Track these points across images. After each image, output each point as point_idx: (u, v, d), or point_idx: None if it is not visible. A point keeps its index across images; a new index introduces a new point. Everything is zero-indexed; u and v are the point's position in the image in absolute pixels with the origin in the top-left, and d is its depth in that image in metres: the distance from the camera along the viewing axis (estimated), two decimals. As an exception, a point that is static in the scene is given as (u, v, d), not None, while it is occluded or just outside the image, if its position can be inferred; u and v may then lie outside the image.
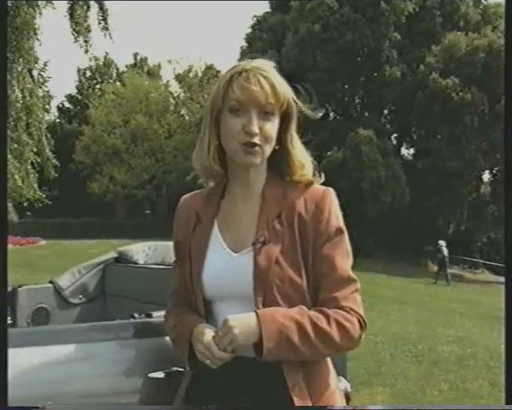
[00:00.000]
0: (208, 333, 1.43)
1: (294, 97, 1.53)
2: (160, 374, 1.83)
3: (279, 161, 1.56)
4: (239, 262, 1.49)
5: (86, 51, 17.04)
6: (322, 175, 1.58)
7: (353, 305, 1.47)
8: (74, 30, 16.54)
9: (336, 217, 1.52)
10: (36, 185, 17.68)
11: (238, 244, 1.51)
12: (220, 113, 1.51)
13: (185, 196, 1.69)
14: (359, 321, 1.47)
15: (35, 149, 16.93)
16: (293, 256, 1.46)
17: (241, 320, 1.39)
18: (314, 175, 1.56)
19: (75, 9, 16.37)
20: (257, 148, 1.47)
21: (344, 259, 1.50)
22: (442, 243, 21.57)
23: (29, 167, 16.90)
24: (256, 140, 1.46)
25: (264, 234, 1.48)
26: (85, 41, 16.86)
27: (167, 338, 1.73)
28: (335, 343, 1.43)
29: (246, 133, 1.45)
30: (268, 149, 1.49)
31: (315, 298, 1.48)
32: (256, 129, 1.45)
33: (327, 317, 1.43)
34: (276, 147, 1.54)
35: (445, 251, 21.29)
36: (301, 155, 1.56)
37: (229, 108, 1.48)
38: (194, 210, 1.61)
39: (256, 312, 1.41)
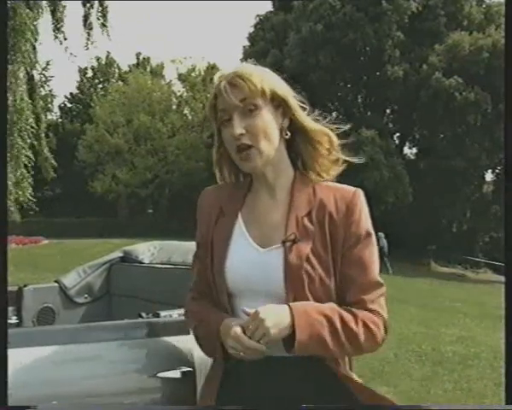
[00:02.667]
0: (235, 326, 1.39)
1: (279, 87, 1.52)
2: (167, 374, 1.82)
3: (299, 147, 1.56)
4: (267, 258, 1.47)
5: (87, 48, 17.03)
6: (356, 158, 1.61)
7: (379, 309, 1.48)
8: (85, 24, 16.57)
9: (366, 219, 1.52)
10: (30, 189, 17.60)
11: (265, 240, 1.49)
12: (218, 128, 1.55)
13: (207, 188, 1.68)
14: (384, 325, 1.48)
15: (28, 153, 16.86)
16: (323, 256, 1.46)
17: (274, 313, 1.37)
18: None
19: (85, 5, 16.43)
20: (249, 151, 1.46)
21: (373, 262, 1.51)
22: (381, 234, 21.83)
23: (24, 171, 16.84)
24: (244, 140, 1.46)
25: (294, 232, 1.46)
26: (87, 38, 16.86)
27: (175, 338, 1.72)
28: (360, 344, 1.44)
29: (233, 138, 1.46)
30: (266, 146, 1.48)
31: (341, 299, 1.48)
32: (238, 130, 1.45)
33: (355, 317, 1.44)
34: (287, 136, 1.53)
35: (382, 242, 21.47)
36: (320, 126, 1.56)
37: (220, 122, 1.51)
38: (217, 203, 1.60)
39: (289, 305, 1.39)
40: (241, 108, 1.46)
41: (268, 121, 1.49)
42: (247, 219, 1.54)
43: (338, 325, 1.41)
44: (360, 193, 1.54)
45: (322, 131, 1.55)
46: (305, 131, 1.54)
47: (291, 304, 1.39)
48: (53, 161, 18.73)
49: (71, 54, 21.82)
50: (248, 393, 1.49)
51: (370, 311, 1.46)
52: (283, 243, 1.46)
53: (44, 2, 15.87)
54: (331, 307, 1.43)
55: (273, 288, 1.44)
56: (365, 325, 1.44)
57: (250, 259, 1.48)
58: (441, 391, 5.63)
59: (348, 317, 1.43)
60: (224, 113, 1.48)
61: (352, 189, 1.54)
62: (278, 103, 1.52)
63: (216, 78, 1.51)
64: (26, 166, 16.91)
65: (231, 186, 1.62)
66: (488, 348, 7.66)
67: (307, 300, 1.43)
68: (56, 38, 16.34)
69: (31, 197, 17.81)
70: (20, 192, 16.85)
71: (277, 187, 1.54)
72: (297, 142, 1.56)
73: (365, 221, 1.51)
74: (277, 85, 1.52)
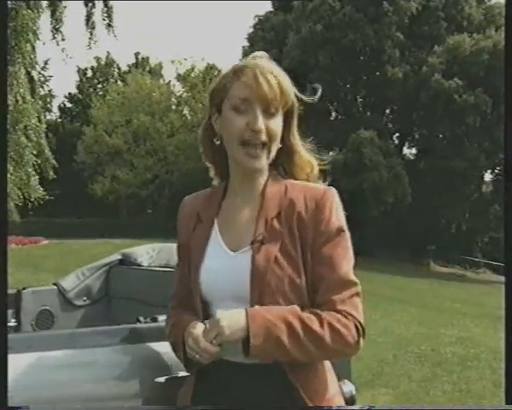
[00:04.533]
0: (198, 327, 1.42)
1: (297, 93, 1.54)
2: (165, 379, 1.82)
3: (282, 160, 1.57)
4: (236, 261, 1.47)
5: (89, 48, 17.08)
6: (327, 178, 1.59)
7: (351, 309, 1.43)
8: (87, 23, 16.61)
9: (337, 217, 1.48)
10: (38, 186, 17.63)
11: (236, 243, 1.50)
12: (220, 108, 1.51)
13: (187, 197, 1.69)
14: (356, 326, 1.42)
15: (34, 152, 16.87)
16: (292, 256, 1.45)
17: (230, 315, 1.39)
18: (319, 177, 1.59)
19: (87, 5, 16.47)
20: (261, 149, 1.46)
21: (344, 260, 1.46)
22: None
23: (30, 169, 16.84)
24: (262, 137, 1.45)
25: (262, 233, 1.46)
26: (89, 38, 16.89)
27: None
28: (327, 346, 1.40)
29: (251, 131, 1.44)
30: (274, 149, 1.49)
31: (313, 299, 1.45)
32: (262, 125, 1.44)
33: (319, 319, 1.39)
34: (279, 145, 1.54)
35: None
36: (307, 154, 1.57)
37: (232, 105, 1.47)
38: (195, 211, 1.61)
39: (246, 309, 1.39)
40: (267, 106, 1.46)
41: (280, 128, 1.50)
42: (221, 224, 1.55)
43: (298, 327, 1.37)
44: (331, 191, 1.51)
45: (309, 161, 1.57)
46: (293, 152, 1.56)
47: (248, 308, 1.39)
48: (53, 161, 18.72)
49: (67, 55, 21.84)
50: (218, 398, 1.50)
51: (340, 312, 1.41)
52: (251, 244, 1.46)
53: (44, 2, 15.87)
54: (292, 311, 1.40)
55: (241, 290, 1.44)
56: (331, 327, 1.39)
57: (221, 263, 1.49)
58: (440, 392, 5.64)
59: (311, 318, 1.39)
60: (243, 102, 1.45)
61: (323, 187, 1.53)
62: (286, 116, 1.53)
63: (250, 63, 1.48)
64: (33, 164, 16.93)
65: (208, 193, 1.64)
66: (487, 349, 7.67)
67: (274, 301, 1.42)
68: (54, 38, 16.37)
69: (39, 196, 17.86)
70: (27, 191, 16.87)
71: (254, 187, 1.54)
72: (280, 153, 1.55)
73: (336, 219, 1.48)
74: (295, 102, 1.53)
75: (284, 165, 1.58)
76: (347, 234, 1.50)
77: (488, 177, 31.95)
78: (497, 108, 25.57)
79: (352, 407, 2.15)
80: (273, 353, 1.38)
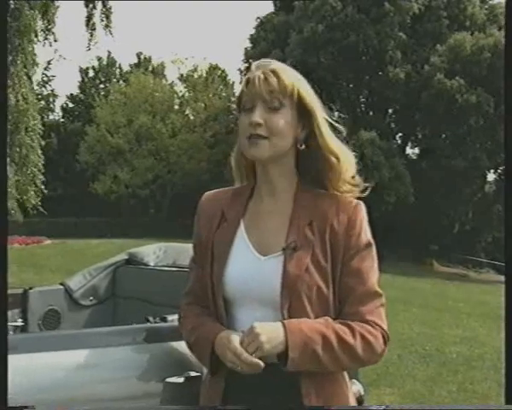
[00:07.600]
0: (235, 340, 1.41)
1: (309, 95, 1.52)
2: (175, 379, 1.82)
3: (310, 166, 1.56)
4: (267, 266, 1.47)
5: (89, 49, 17.13)
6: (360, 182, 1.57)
7: (378, 319, 1.48)
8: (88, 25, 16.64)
9: (366, 231, 1.53)
10: (43, 187, 17.56)
11: (265, 248, 1.50)
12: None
13: (208, 192, 1.67)
14: (383, 336, 1.48)
15: (38, 152, 16.80)
16: (323, 265, 1.46)
17: (268, 329, 1.39)
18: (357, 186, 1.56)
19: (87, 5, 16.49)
20: (261, 140, 1.46)
21: (371, 273, 1.51)
22: None
23: (34, 169, 16.78)
24: (260, 131, 1.46)
25: (295, 240, 1.47)
26: (89, 39, 16.93)
27: (182, 343, 1.71)
28: (359, 357, 1.45)
29: (249, 125, 1.47)
30: (279, 144, 1.49)
31: (339, 309, 1.49)
32: (258, 119, 1.46)
33: (352, 330, 1.44)
34: (301, 147, 1.53)
35: None
36: (339, 146, 1.57)
37: (242, 108, 1.51)
38: (219, 207, 1.59)
39: (283, 322, 1.41)
40: (266, 100, 1.47)
41: (287, 123, 1.49)
42: (248, 226, 1.54)
43: (333, 341, 1.41)
44: (361, 205, 1.54)
45: (343, 153, 1.57)
46: (323, 160, 1.54)
47: (285, 321, 1.41)
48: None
49: (60, 56, 21.87)
50: (250, 400, 1.50)
51: (368, 322, 1.47)
52: (283, 250, 1.46)
53: (39, 3, 15.86)
54: (326, 322, 1.44)
55: (270, 296, 1.45)
56: (363, 338, 1.44)
57: (250, 266, 1.49)
58: (445, 392, 5.63)
59: (345, 331, 1.43)
60: (248, 101, 1.49)
61: (354, 201, 1.54)
62: (302, 113, 1.52)
63: (253, 66, 1.53)
64: (36, 165, 16.86)
65: (232, 191, 1.63)
66: (492, 348, 7.65)
67: (302, 309, 1.44)
68: (46, 39, 16.38)
69: (38, 198, 17.78)
70: (32, 192, 16.79)
71: (279, 190, 1.54)
72: (312, 158, 1.55)
73: (365, 233, 1.53)
74: (307, 95, 1.52)
75: (315, 168, 1.56)
76: (374, 247, 1.55)
77: (491, 177, 31.97)
78: (498, 107, 25.54)
79: (354, 407, 2.16)
80: (308, 365, 1.41)
